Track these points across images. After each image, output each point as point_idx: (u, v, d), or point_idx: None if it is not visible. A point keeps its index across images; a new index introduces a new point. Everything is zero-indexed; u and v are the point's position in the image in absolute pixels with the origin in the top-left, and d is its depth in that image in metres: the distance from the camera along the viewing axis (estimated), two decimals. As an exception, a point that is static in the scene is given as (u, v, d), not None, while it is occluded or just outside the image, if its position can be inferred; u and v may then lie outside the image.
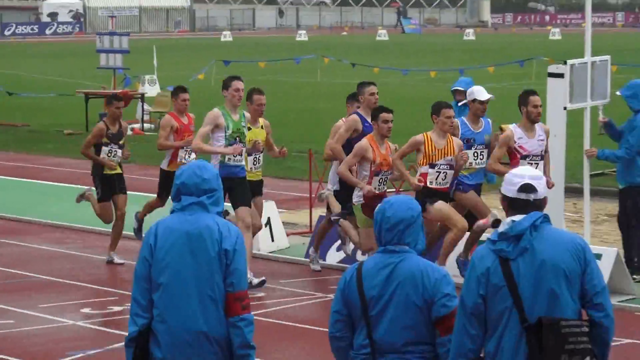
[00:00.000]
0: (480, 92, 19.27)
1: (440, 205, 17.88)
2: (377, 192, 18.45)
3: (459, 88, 22.40)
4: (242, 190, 19.02)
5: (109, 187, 20.82)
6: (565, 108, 19.39)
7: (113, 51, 46.11)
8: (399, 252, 9.36)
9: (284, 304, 18.02)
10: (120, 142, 21.01)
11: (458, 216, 18.29)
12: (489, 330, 8.76)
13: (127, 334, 9.29)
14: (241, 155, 19.05)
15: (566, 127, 19.72)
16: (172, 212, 9.79)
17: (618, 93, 20.44)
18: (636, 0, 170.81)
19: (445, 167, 17.86)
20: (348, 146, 19.37)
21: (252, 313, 9.87)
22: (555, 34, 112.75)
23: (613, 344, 9.03)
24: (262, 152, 19.78)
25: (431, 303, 9.21)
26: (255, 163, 19.62)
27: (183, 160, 20.87)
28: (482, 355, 8.81)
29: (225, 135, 18.91)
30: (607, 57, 20.40)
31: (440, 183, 18.04)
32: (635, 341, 16.29)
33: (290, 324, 16.38)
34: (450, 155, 18.04)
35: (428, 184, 18.13)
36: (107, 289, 19.55)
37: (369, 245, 18.15)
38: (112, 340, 16.45)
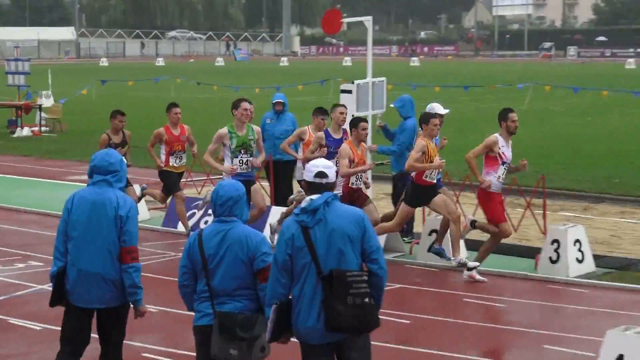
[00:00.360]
0: (439, 108, 18.51)
1: (438, 198, 17.06)
2: (353, 186, 17.62)
3: (279, 100, 22.33)
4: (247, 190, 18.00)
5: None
6: (353, 115, 19.51)
7: (18, 73, 45.85)
8: (229, 221, 9.51)
9: (147, 260, 17.85)
10: (124, 149, 19.53)
11: (452, 206, 17.36)
12: (294, 280, 8.95)
13: (36, 284, 9.28)
14: (247, 165, 18.12)
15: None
16: (87, 185, 10.29)
17: (392, 105, 20.61)
18: (407, 37, 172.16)
19: None
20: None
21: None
22: (347, 61, 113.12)
23: (387, 288, 9.16)
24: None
25: (253, 259, 9.37)
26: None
27: (175, 164, 20.08)
28: (290, 297, 8.98)
29: (231, 150, 17.99)
30: (384, 79, 20.58)
31: (432, 178, 17.17)
32: (404, 285, 16.45)
33: (151, 275, 16.35)
34: (436, 156, 17.20)
35: (423, 177, 17.17)
36: (13, 251, 19.23)
37: None
38: (16, 289, 16.25)
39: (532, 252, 18.38)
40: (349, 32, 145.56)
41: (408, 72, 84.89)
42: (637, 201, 24.79)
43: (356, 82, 19.94)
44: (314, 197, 9.07)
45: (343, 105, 18.72)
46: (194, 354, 9.85)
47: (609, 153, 33.70)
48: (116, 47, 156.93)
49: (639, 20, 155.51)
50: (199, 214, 21.41)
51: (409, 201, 17.04)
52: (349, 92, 19.77)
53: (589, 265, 18.08)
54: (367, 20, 21.07)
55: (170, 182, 20.13)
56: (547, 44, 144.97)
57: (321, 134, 18.51)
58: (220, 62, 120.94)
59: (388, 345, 12.65)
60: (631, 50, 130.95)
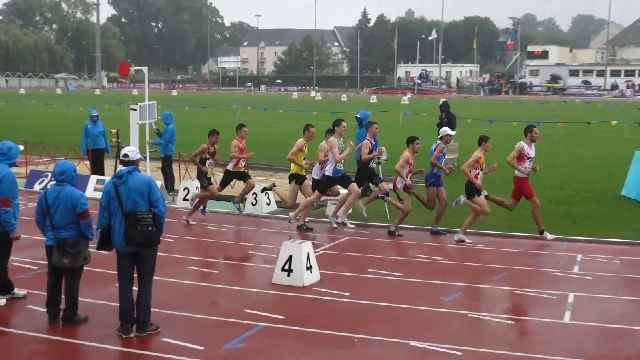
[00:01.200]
0: (449, 130, 15.87)
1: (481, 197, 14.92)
2: (409, 182, 15.13)
3: (95, 114, 21.53)
4: (346, 179, 15.40)
5: (209, 180, 16.46)
6: (137, 123, 19.10)
7: None
8: (62, 185, 9.45)
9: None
10: (215, 157, 16.72)
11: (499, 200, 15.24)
12: (111, 215, 9.08)
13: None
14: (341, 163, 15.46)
15: (176, 133, 19.62)
16: None
17: (160, 117, 20.19)
18: (169, 78, 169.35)
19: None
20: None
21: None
22: (135, 92, 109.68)
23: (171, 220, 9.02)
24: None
25: (76, 206, 9.34)
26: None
27: (241, 165, 16.84)
28: (110, 226, 9.10)
29: (339, 152, 15.25)
30: (154, 102, 19.93)
31: (480, 178, 14.76)
32: (171, 220, 16.10)
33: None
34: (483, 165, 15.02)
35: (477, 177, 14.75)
36: None
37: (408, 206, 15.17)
38: None
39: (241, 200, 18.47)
40: (135, 75, 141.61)
41: (170, 98, 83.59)
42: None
43: (139, 103, 19.51)
44: (122, 168, 9.19)
45: (376, 123, 16.35)
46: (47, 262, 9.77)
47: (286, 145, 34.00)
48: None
49: (301, 71, 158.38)
50: (46, 180, 20.61)
51: (470, 192, 14.91)
52: (135, 109, 19.37)
53: (273, 206, 18.41)
54: (145, 68, 20.69)
55: (242, 177, 17.09)
56: (249, 83, 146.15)
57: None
58: (59, 91, 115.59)
59: (163, 254, 12.53)
60: (295, 87, 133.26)
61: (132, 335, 9.07)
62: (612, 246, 14.41)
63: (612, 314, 10.29)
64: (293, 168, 16.33)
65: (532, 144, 15.10)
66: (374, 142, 15.86)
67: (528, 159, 14.98)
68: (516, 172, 15.07)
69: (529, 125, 15.27)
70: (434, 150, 15.42)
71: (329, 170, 15.42)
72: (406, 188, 15.14)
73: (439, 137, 15.72)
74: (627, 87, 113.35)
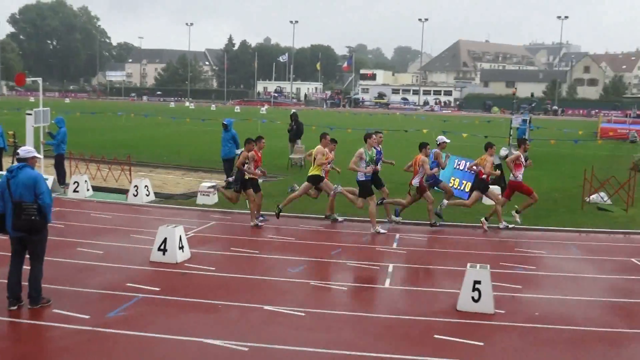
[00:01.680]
0: (444, 139, 15.08)
1: (492, 188, 14.47)
2: (423, 182, 14.50)
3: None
4: (373, 183, 14.43)
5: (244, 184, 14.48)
6: (32, 126, 18.02)
7: None
8: None
9: None
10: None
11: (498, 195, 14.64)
12: (4, 204, 8.58)
13: None
14: (372, 170, 14.33)
15: (67, 135, 18.30)
16: None
17: (53, 121, 19.17)
18: (63, 88, 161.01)
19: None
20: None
21: None
22: (31, 99, 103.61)
23: (53, 210, 8.54)
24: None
25: None
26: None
27: (258, 173, 14.59)
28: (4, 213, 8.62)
29: (366, 161, 14.05)
30: (48, 108, 18.95)
31: (491, 177, 14.30)
32: (60, 209, 15.34)
33: None
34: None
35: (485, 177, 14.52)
36: None
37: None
38: None
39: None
40: (32, 85, 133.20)
41: (63, 105, 79.45)
42: (175, 167, 24.79)
43: (35, 109, 18.47)
44: (15, 164, 8.68)
45: (381, 132, 15.18)
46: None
47: (168, 144, 33.18)
48: None
49: (177, 85, 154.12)
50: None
51: (481, 189, 14.55)
52: (31, 114, 18.31)
53: (151, 197, 17.77)
54: (39, 79, 19.48)
55: (254, 183, 14.80)
56: (133, 94, 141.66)
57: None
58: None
59: (56, 238, 11.90)
60: (172, 98, 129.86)
61: (14, 307, 8.65)
62: (422, 227, 15.01)
63: (422, 279, 10.75)
64: (314, 170, 15.02)
65: (524, 153, 15.05)
66: (379, 149, 14.97)
67: (524, 166, 14.95)
68: (512, 176, 14.98)
69: (521, 139, 15.11)
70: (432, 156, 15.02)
71: (361, 176, 14.43)
72: (420, 188, 14.75)
73: (437, 144, 15.29)
74: (435, 103, 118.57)
